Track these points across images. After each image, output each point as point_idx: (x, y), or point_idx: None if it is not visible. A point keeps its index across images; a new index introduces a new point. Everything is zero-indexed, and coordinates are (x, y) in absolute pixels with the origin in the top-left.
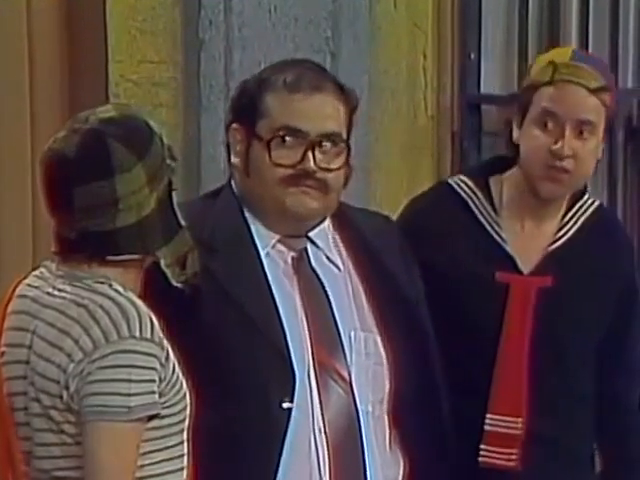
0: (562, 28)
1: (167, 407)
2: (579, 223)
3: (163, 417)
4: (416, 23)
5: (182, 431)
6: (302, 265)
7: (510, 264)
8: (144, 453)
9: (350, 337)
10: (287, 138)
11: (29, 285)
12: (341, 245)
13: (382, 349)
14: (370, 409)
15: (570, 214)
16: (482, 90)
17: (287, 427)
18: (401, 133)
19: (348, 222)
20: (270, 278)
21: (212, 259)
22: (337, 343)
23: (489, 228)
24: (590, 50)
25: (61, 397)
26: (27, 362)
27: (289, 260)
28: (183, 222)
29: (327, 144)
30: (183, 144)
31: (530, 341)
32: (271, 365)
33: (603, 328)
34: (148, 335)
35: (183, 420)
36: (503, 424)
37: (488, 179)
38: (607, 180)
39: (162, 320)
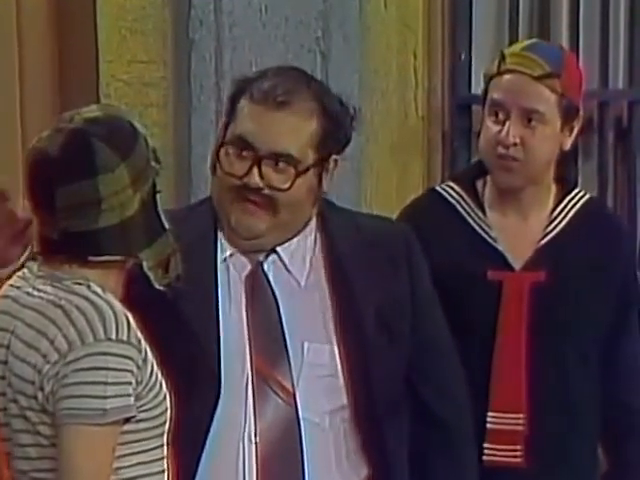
0: (552, 29)
1: (144, 410)
2: (569, 216)
3: (140, 420)
4: (406, 23)
5: (162, 434)
6: (257, 277)
7: (501, 261)
8: (120, 456)
9: (303, 349)
10: (240, 149)
11: (11, 285)
12: (319, 252)
13: (339, 361)
14: (318, 421)
15: (560, 207)
16: (473, 90)
17: (205, 436)
18: (391, 133)
19: (327, 231)
20: (220, 287)
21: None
22: (282, 354)
23: (478, 228)
24: (580, 51)
25: (36, 398)
26: (5, 362)
27: (246, 271)
28: (167, 225)
29: (282, 163)
30: (173, 144)
31: (527, 336)
32: (198, 374)
33: (602, 319)
34: (124, 337)
35: (163, 424)
36: (505, 421)
37: (475, 182)
38: (597, 180)
39: (142, 322)
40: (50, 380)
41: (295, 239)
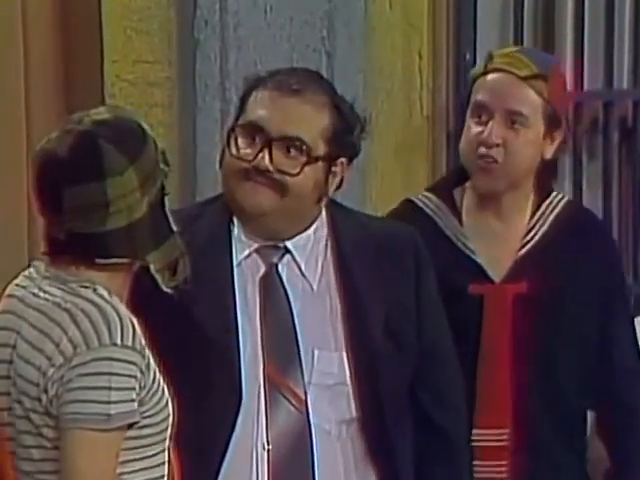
0: (557, 29)
1: (147, 417)
2: (547, 223)
3: (143, 426)
4: (411, 23)
5: (163, 440)
6: (271, 280)
7: (481, 274)
8: (123, 462)
9: (313, 356)
10: (252, 135)
11: (17, 285)
12: (330, 256)
13: (347, 369)
14: (328, 428)
15: (538, 215)
16: None
17: (227, 446)
18: (396, 133)
19: (336, 234)
20: (237, 290)
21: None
22: (294, 361)
23: (456, 240)
24: (585, 51)
25: (40, 400)
26: (10, 362)
27: (260, 272)
28: (175, 227)
29: (293, 150)
30: (178, 144)
31: (511, 349)
32: (221, 382)
33: (589, 327)
34: (129, 342)
35: (165, 429)
36: (489, 438)
37: (452, 191)
38: (602, 180)
39: (148, 326)
40: (54, 383)
41: (304, 234)
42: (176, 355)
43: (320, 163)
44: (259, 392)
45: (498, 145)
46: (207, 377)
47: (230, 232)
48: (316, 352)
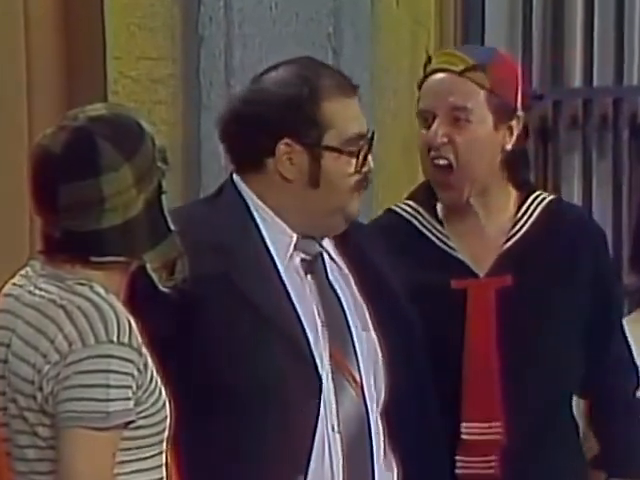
0: (567, 25)
1: (144, 417)
2: (532, 218)
3: (139, 427)
4: (418, 20)
5: (161, 442)
6: (317, 268)
7: (464, 269)
8: (120, 463)
9: (361, 337)
10: (361, 145)
11: (14, 284)
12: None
13: (379, 348)
14: (374, 410)
15: (522, 210)
16: None
17: (315, 428)
18: (403, 132)
19: None
20: (287, 281)
21: (224, 262)
22: (349, 345)
23: (436, 240)
24: (595, 47)
25: (35, 398)
26: (5, 361)
27: (303, 263)
28: (173, 226)
29: None
30: (183, 142)
31: (498, 343)
32: (296, 370)
33: (576, 321)
34: (126, 340)
35: (162, 431)
36: (481, 431)
37: (431, 197)
38: (612, 177)
39: (147, 326)
40: (50, 381)
41: None
42: (248, 349)
43: None
44: (327, 377)
45: (444, 143)
46: (283, 366)
47: (257, 226)
48: (364, 334)
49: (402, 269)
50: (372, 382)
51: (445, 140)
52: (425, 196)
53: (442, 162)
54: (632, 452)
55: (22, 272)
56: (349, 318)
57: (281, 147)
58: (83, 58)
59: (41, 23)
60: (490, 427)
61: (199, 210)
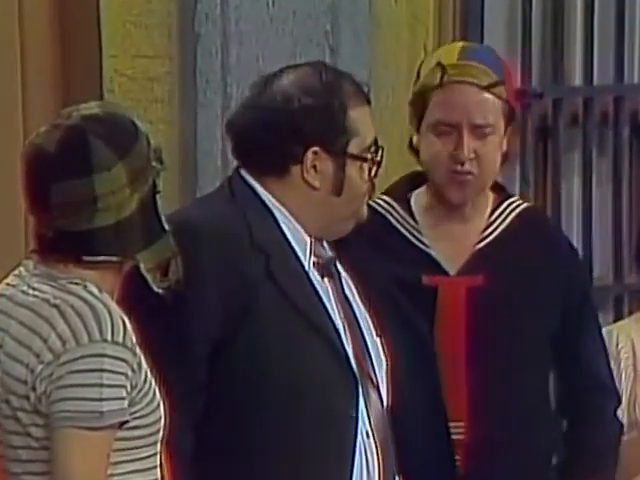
0: (566, 23)
1: (138, 417)
2: (507, 221)
3: (134, 427)
4: (417, 17)
5: (155, 443)
6: (332, 272)
7: (436, 267)
8: (114, 463)
9: (372, 343)
10: (376, 152)
11: (7, 284)
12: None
13: (383, 355)
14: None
15: (497, 212)
16: None
17: (356, 430)
18: (401, 129)
19: None
20: (314, 281)
21: (265, 260)
22: (365, 350)
23: (409, 236)
24: (595, 45)
25: (28, 398)
26: None
27: (317, 266)
28: (167, 226)
29: None
30: (179, 140)
31: (466, 342)
32: (335, 373)
33: (545, 327)
34: (120, 339)
35: (156, 432)
36: None
37: (407, 194)
38: (612, 176)
39: (141, 326)
40: (43, 381)
41: None
42: (293, 347)
43: None
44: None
45: (472, 159)
46: (321, 364)
47: (281, 230)
48: (377, 339)
49: (375, 263)
50: (382, 384)
51: (472, 156)
52: (402, 194)
53: (469, 177)
54: (601, 459)
55: (15, 272)
56: (361, 323)
57: (309, 155)
58: (79, 56)
59: (36, 21)
60: (454, 427)
61: (223, 209)
